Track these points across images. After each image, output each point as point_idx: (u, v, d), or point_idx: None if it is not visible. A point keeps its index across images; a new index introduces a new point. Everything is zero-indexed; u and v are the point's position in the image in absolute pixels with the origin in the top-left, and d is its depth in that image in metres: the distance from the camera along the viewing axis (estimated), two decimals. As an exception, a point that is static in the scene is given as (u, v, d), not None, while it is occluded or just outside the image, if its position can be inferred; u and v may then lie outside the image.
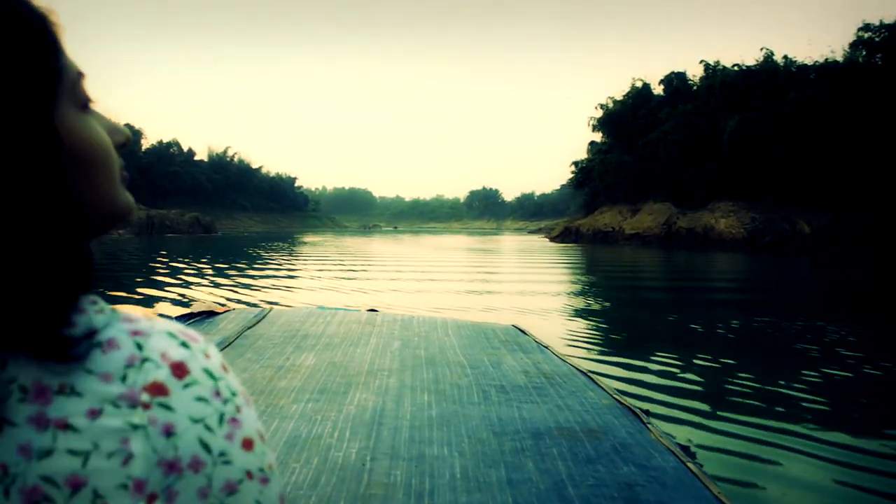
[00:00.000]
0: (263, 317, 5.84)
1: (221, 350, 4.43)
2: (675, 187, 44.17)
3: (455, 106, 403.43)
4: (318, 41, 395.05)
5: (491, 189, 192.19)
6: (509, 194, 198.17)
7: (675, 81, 50.68)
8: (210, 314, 5.87)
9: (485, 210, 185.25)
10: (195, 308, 6.21)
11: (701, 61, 49.47)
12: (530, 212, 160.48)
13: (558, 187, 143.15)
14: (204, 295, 12.05)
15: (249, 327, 5.32)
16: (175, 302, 11.33)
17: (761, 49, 46.01)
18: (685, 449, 2.79)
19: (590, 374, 3.92)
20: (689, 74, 50.88)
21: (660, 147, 45.54)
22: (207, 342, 0.42)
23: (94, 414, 0.36)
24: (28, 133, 0.37)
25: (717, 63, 48.39)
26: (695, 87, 49.25)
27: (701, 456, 3.67)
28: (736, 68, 46.35)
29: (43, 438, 0.35)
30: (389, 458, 2.62)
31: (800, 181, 38.31)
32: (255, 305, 9.86)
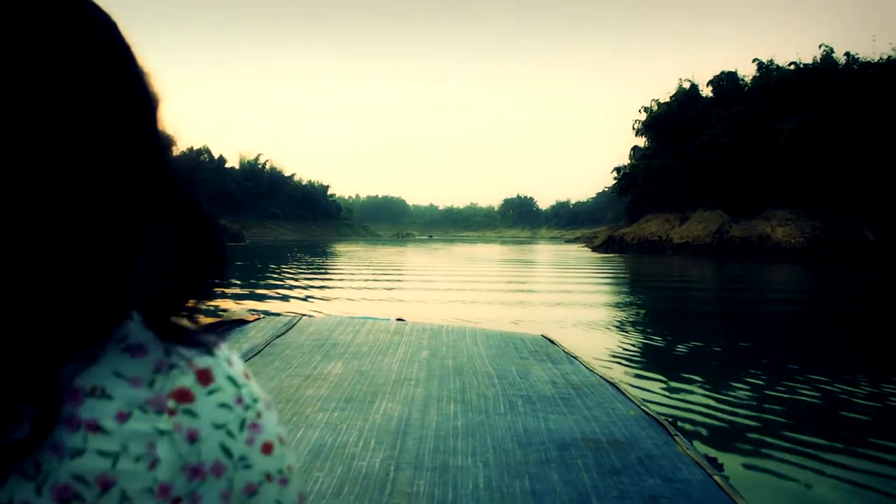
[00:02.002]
0: (293, 325, 6.05)
1: (250, 358, 4.64)
2: (727, 193, 43.22)
3: (489, 112, 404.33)
4: (352, 47, 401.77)
5: (525, 197, 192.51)
6: (544, 202, 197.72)
7: (725, 82, 49.75)
8: (241, 322, 6.13)
9: (519, 218, 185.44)
10: (226, 317, 6.49)
11: (754, 60, 48.48)
12: (566, 220, 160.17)
13: (594, 195, 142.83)
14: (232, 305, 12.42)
15: (278, 336, 5.52)
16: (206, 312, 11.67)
17: (820, 46, 44.87)
18: (712, 461, 2.84)
19: (618, 385, 3.98)
20: (740, 74, 49.97)
21: (710, 151, 44.71)
22: (230, 350, 0.46)
23: (123, 417, 0.39)
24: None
25: (771, 62, 47.37)
26: (746, 88, 48.25)
27: (729, 469, 3.68)
28: (792, 67, 45.27)
29: (74, 438, 0.38)
30: (413, 467, 2.72)
31: (863, 186, 37.05)
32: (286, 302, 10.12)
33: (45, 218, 0.37)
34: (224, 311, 9.49)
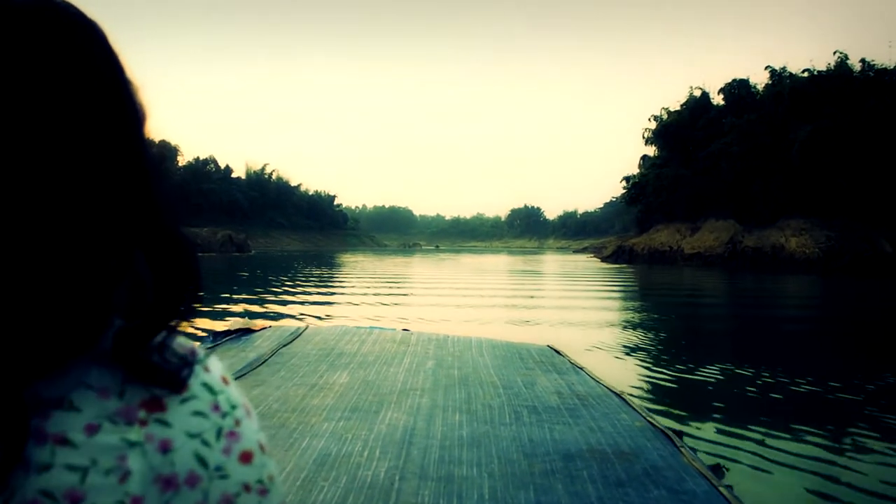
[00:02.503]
0: (299, 335, 6.11)
1: (256, 367, 4.69)
2: (740, 203, 43.06)
3: (495, 122, 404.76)
4: (359, 57, 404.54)
5: (532, 207, 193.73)
6: (551, 212, 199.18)
7: (736, 89, 49.69)
8: (247, 331, 6.19)
9: (526, 229, 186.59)
10: (232, 325, 6.56)
11: (766, 67, 48.40)
12: (573, 230, 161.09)
13: (602, 205, 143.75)
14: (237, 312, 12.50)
15: (285, 345, 5.58)
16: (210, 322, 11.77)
17: (834, 53, 44.81)
18: (717, 472, 2.85)
19: (624, 395, 4.01)
20: (752, 82, 49.91)
21: (722, 159, 44.61)
22: (208, 355, 0.45)
23: (92, 430, 0.38)
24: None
25: (784, 69, 47.32)
26: (758, 96, 48.17)
27: (734, 480, 3.68)
28: (806, 74, 45.21)
29: (41, 453, 0.36)
30: (418, 477, 2.75)
31: (880, 196, 36.81)
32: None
33: (22, 234, 0.36)
34: (230, 320, 9.57)
